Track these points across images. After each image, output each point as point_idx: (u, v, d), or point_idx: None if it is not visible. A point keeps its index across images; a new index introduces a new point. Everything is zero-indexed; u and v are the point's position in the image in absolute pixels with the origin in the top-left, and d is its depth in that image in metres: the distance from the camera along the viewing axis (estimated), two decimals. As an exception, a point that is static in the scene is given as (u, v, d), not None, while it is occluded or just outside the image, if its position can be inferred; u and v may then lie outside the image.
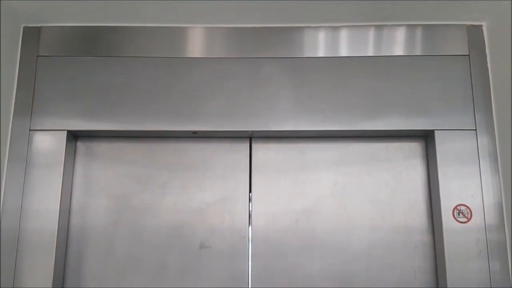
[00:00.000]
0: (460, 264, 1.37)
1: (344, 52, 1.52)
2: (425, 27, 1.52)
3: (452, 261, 1.37)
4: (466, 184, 1.41)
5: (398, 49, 1.51)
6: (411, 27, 1.53)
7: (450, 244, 1.38)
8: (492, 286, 1.35)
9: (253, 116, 1.48)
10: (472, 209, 1.40)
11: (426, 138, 1.54)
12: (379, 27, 1.53)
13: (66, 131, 1.47)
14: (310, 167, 1.54)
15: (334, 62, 1.51)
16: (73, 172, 1.54)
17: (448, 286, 1.36)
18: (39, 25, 1.55)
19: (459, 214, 1.40)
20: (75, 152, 1.56)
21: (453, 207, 1.40)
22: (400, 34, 1.52)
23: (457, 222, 1.39)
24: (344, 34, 1.53)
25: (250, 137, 1.56)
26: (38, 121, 1.48)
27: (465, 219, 1.39)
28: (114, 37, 1.54)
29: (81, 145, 1.57)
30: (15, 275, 1.38)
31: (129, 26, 1.55)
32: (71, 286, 1.48)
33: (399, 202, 1.51)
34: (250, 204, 1.52)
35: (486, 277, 1.36)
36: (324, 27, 1.53)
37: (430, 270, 1.47)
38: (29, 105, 1.49)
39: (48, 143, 1.47)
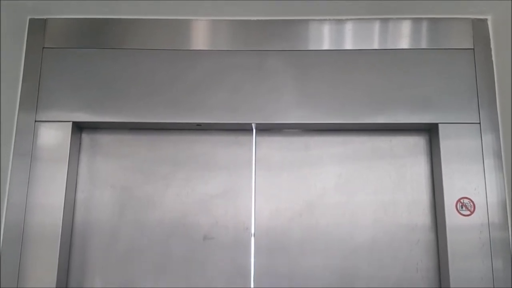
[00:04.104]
0: (462, 258, 1.37)
1: (348, 45, 1.51)
2: (430, 20, 1.52)
3: (454, 254, 1.38)
4: (470, 177, 1.41)
5: (403, 43, 1.51)
6: (416, 21, 1.52)
7: (452, 238, 1.38)
8: (494, 280, 1.36)
9: (257, 109, 1.48)
10: (475, 203, 1.40)
11: (430, 131, 1.54)
12: (384, 20, 1.53)
13: (71, 123, 1.48)
14: (314, 160, 1.55)
15: (338, 55, 1.51)
16: (78, 164, 1.55)
17: (450, 280, 1.36)
18: (45, 17, 1.55)
19: (462, 207, 1.40)
20: (80, 144, 1.57)
21: (456, 200, 1.41)
22: (405, 28, 1.52)
23: (460, 215, 1.40)
24: (349, 27, 1.53)
25: (254, 130, 1.57)
26: (43, 112, 1.49)
27: (468, 212, 1.40)
28: (119, 29, 1.55)
29: (86, 137, 1.58)
30: (20, 269, 1.39)
31: (134, 19, 1.55)
32: (75, 278, 1.49)
33: (402, 195, 1.51)
34: (254, 196, 1.53)
35: (489, 271, 1.36)
36: (329, 20, 1.53)
37: (432, 263, 1.47)
38: (35, 96, 1.50)
39: (53, 134, 1.47)
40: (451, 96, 1.46)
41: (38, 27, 1.55)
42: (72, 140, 1.49)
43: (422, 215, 1.50)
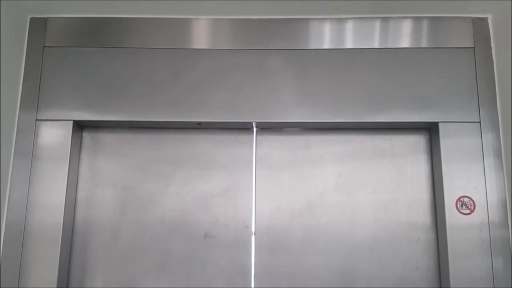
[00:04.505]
0: (462, 257, 1.37)
1: (349, 44, 1.52)
2: (431, 19, 1.52)
3: (454, 253, 1.38)
4: (470, 176, 1.42)
5: (403, 42, 1.51)
6: (416, 20, 1.53)
7: (452, 236, 1.39)
8: (494, 279, 1.36)
9: (258, 108, 1.48)
10: (475, 201, 1.40)
11: (430, 130, 1.54)
12: (384, 19, 1.53)
13: (72, 121, 1.48)
14: (314, 159, 1.55)
15: (339, 54, 1.51)
16: (78, 163, 1.56)
17: (450, 279, 1.37)
18: (45, 16, 1.56)
19: (462, 206, 1.40)
20: (80, 142, 1.57)
21: (456, 198, 1.41)
22: (405, 27, 1.52)
23: (460, 214, 1.40)
24: (349, 26, 1.53)
25: (255, 129, 1.57)
26: (44, 111, 1.49)
27: (468, 211, 1.40)
28: (120, 28, 1.55)
29: (86, 136, 1.58)
30: (21, 268, 1.39)
31: (134, 18, 1.55)
32: (76, 277, 1.49)
33: (403, 194, 1.52)
34: (254, 195, 1.53)
35: (489, 270, 1.37)
36: (330, 19, 1.53)
37: (432, 262, 1.47)
38: (36, 95, 1.50)
39: (54, 133, 1.48)
40: (452, 95, 1.47)
41: (38, 26, 1.55)
42: (73, 139, 1.49)
43: (422, 214, 1.50)
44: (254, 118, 1.48)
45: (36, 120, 1.48)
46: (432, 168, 1.52)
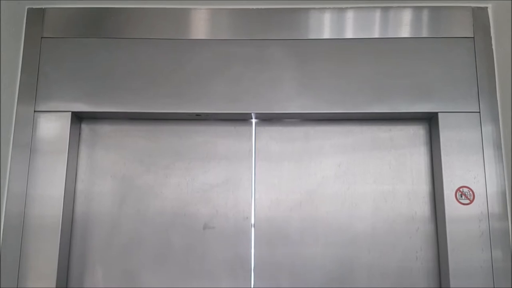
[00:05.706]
0: (462, 247, 1.38)
1: (349, 34, 1.51)
2: (431, 8, 1.52)
3: (454, 243, 1.38)
4: (469, 166, 1.42)
5: (403, 31, 1.51)
6: (416, 9, 1.52)
7: (452, 226, 1.39)
8: (493, 269, 1.36)
9: (257, 98, 1.48)
10: (474, 191, 1.40)
11: (430, 120, 1.54)
12: (384, 9, 1.52)
13: (70, 113, 1.48)
14: (314, 150, 1.55)
15: (339, 44, 1.50)
16: (77, 154, 1.55)
17: (449, 269, 1.37)
18: (43, 6, 1.54)
19: (461, 196, 1.40)
20: (79, 134, 1.57)
21: (455, 188, 1.41)
22: (405, 16, 1.51)
23: (460, 204, 1.40)
24: (349, 16, 1.52)
25: (254, 120, 1.57)
26: (42, 102, 1.48)
27: (468, 201, 1.40)
28: (118, 19, 1.54)
29: (85, 127, 1.57)
30: (21, 260, 1.39)
31: (133, 8, 1.54)
32: (76, 268, 1.49)
33: (402, 184, 1.52)
34: (253, 186, 1.53)
35: (488, 260, 1.37)
36: (330, 8, 1.53)
37: (432, 252, 1.48)
38: (34, 86, 1.49)
39: (52, 124, 1.47)
40: (451, 85, 1.46)
41: (36, 16, 1.54)
42: (71, 130, 1.48)
43: (421, 204, 1.50)
44: (253, 109, 1.48)
45: (35, 111, 1.48)
46: (431, 158, 1.52)
